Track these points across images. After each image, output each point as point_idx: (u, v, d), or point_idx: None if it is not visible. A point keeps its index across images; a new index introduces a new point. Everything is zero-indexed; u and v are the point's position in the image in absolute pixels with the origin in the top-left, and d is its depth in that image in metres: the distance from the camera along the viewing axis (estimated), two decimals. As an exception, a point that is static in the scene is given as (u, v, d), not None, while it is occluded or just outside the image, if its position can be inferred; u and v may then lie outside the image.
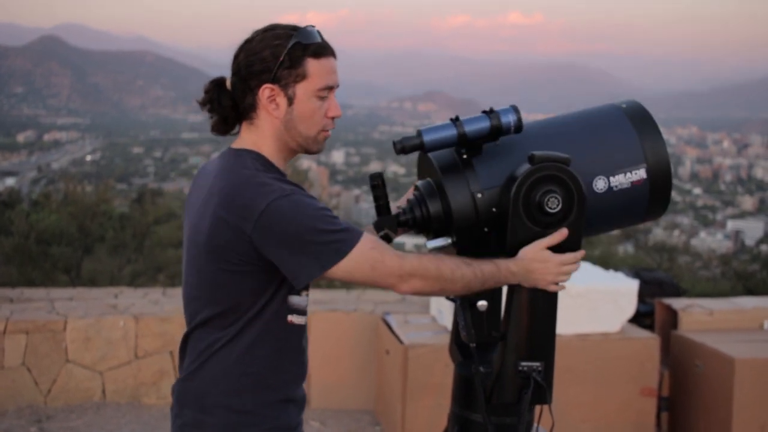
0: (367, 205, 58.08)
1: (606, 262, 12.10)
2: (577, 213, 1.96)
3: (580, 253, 2.04)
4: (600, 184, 2.01)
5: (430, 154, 2.09)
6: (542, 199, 1.93)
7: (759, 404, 4.63)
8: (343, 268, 1.90)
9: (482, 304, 2.06)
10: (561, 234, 2.00)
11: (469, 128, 2.01)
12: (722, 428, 4.66)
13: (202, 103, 2.04)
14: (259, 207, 1.88)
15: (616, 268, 6.88)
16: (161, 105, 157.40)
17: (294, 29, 1.98)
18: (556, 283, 2.06)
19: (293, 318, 2.02)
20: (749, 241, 44.17)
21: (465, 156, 2.03)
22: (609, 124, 2.07)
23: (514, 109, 2.02)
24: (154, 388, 5.48)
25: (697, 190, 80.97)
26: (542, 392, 2.02)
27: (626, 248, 18.58)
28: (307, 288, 2.04)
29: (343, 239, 1.89)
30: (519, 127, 2.02)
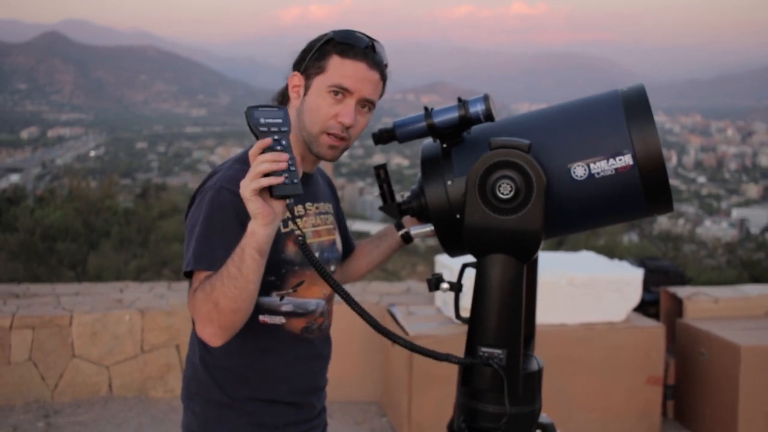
0: (370, 198, 58.06)
1: (611, 251, 12.09)
2: (536, 199, 1.89)
3: (265, 141, 1.69)
4: (579, 171, 1.93)
5: (422, 146, 2.12)
6: (495, 185, 1.90)
7: (765, 391, 4.63)
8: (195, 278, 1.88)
9: (444, 286, 2.06)
10: (261, 142, 1.68)
11: (437, 119, 2.01)
12: (728, 415, 4.67)
13: (276, 98, 2.11)
14: (198, 189, 1.97)
15: (621, 258, 6.88)
16: (164, 99, 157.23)
17: (343, 31, 2.00)
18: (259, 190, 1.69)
19: (265, 318, 2.00)
20: (754, 229, 44.13)
21: (445, 146, 2.05)
22: (598, 110, 1.99)
23: (485, 99, 2.00)
24: (160, 381, 5.50)
25: (702, 179, 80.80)
26: (499, 381, 1.94)
27: (631, 237, 18.55)
28: (278, 288, 1.99)
29: (202, 259, 1.85)
30: (489, 116, 2.00)
